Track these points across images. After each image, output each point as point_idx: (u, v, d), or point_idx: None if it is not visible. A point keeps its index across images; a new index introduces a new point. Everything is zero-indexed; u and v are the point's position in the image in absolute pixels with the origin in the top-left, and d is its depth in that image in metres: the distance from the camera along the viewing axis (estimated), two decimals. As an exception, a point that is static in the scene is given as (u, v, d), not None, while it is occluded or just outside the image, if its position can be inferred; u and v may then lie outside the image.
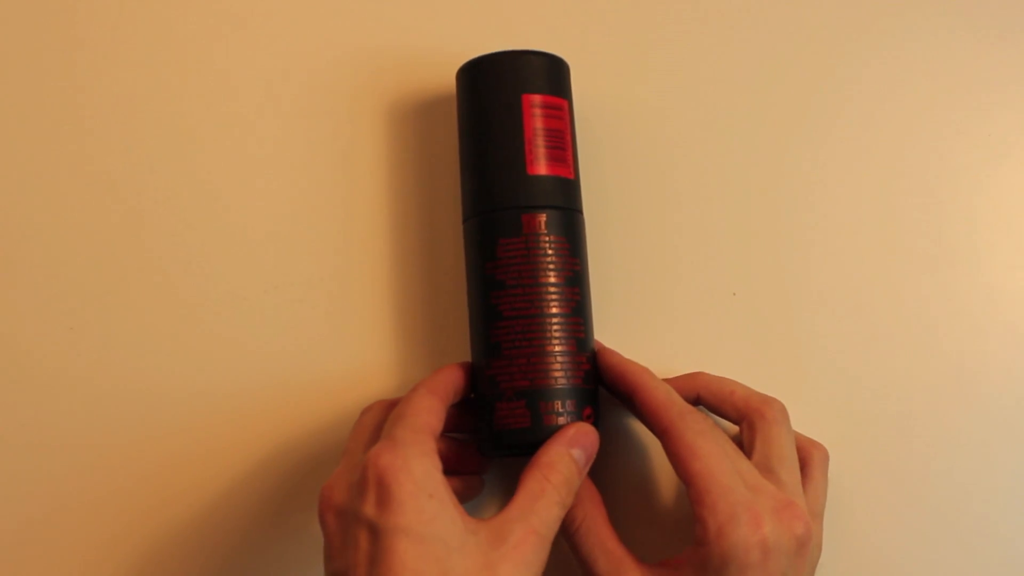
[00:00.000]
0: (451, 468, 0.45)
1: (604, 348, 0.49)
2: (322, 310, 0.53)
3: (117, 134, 0.55)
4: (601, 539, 0.46)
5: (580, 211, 0.49)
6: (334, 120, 0.55)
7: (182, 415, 0.53)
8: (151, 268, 0.54)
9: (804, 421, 0.51)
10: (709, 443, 0.44)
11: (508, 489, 0.52)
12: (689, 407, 0.46)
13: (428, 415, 0.44)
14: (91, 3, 0.56)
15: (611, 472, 0.51)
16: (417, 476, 0.40)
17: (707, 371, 0.50)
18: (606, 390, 0.49)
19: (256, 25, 0.56)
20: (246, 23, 0.56)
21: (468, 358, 0.49)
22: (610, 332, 0.52)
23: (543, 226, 0.47)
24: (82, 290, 0.54)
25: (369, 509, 0.40)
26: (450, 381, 0.47)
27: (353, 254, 0.54)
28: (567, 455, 0.45)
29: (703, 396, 0.49)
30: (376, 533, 0.40)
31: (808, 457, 0.49)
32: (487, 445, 0.47)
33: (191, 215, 0.54)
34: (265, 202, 0.54)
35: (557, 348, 0.47)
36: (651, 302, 0.53)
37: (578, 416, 0.47)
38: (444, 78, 0.54)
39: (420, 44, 0.56)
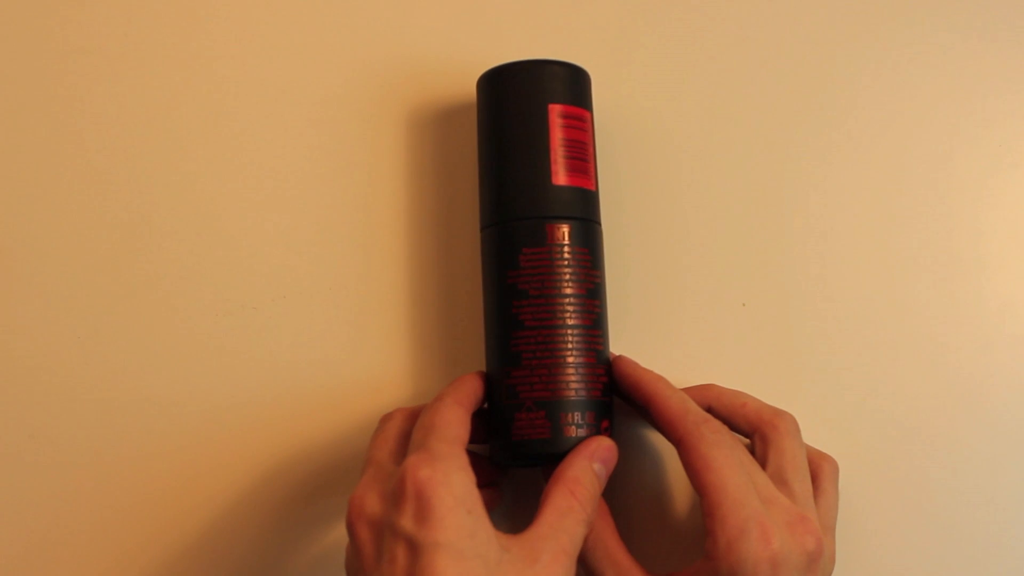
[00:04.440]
0: None
1: (619, 357, 0.49)
2: (338, 319, 0.53)
3: (135, 145, 0.54)
4: (610, 551, 0.46)
5: (599, 223, 0.49)
6: (354, 129, 0.54)
7: (195, 426, 0.52)
8: (165, 278, 0.53)
9: (814, 433, 0.51)
10: (724, 454, 0.44)
11: (514, 498, 0.51)
12: (706, 416, 0.46)
13: (459, 427, 0.43)
14: (108, 17, 0.55)
15: (622, 484, 0.51)
16: (457, 491, 0.40)
17: (717, 382, 0.50)
18: (621, 399, 0.49)
19: (276, 36, 0.55)
20: (266, 35, 0.55)
21: (483, 367, 0.49)
22: (622, 342, 0.52)
23: (566, 237, 0.47)
24: (94, 301, 0.53)
25: (407, 523, 0.39)
26: (473, 391, 0.46)
27: (369, 262, 0.53)
28: (590, 470, 0.44)
29: (715, 408, 0.49)
30: (415, 548, 0.39)
31: (819, 470, 0.49)
32: (503, 455, 0.47)
33: (206, 224, 0.53)
34: (283, 211, 0.54)
35: (577, 360, 0.46)
36: (662, 313, 0.53)
37: (596, 428, 0.46)
38: (461, 87, 0.54)
39: (437, 53, 0.55)
